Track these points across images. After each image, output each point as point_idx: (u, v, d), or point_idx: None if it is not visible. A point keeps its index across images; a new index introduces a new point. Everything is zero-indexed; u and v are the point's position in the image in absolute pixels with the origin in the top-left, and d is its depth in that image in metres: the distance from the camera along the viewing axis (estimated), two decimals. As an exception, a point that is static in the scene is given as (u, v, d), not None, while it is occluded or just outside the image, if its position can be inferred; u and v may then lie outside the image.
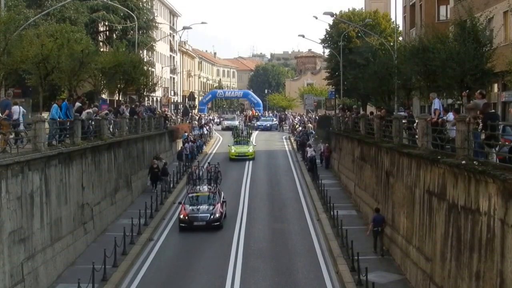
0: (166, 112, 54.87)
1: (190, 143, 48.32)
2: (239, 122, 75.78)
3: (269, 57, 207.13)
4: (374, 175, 27.28)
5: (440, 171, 17.20)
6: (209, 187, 29.70)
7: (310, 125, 62.13)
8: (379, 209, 24.06)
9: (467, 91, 22.31)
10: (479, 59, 24.81)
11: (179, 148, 47.89)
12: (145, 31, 57.79)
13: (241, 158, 46.77)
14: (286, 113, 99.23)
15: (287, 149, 56.81)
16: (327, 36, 63.31)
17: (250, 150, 48.34)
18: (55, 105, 22.84)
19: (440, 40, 26.79)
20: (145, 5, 58.38)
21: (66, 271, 20.80)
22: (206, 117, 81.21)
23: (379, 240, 23.13)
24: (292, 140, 60.95)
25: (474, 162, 15.03)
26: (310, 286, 20.25)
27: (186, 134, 52.42)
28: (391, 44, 46.72)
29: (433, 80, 27.12)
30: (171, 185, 36.64)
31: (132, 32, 52.20)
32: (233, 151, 48.36)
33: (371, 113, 32.92)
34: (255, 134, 70.67)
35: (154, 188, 34.44)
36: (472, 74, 24.62)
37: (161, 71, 74.90)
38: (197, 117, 71.02)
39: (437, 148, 18.80)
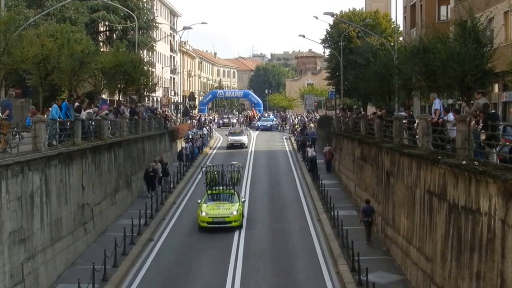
0: (166, 112, 54.87)
1: (190, 143, 48.38)
2: (247, 136, 60.36)
3: (269, 57, 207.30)
4: (375, 175, 27.26)
5: (441, 171, 17.19)
6: None
7: (312, 125, 61.88)
8: (369, 201, 25.31)
9: (472, 102, 22.16)
10: (479, 59, 24.81)
11: (179, 148, 47.87)
12: (145, 31, 57.82)
13: (217, 227, 26.65)
14: (287, 113, 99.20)
15: (287, 149, 56.82)
16: (327, 36, 63.28)
17: (235, 213, 26.77)
18: (55, 105, 22.82)
19: (441, 40, 26.78)
20: (145, 5, 58.42)
21: (66, 272, 20.78)
22: (206, 117, 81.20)
23: (369, 229, 24.38)
24: (293, 140, 60.95)
25: (475, 162, 15.01)
26: (310, 286, 20.23)
27: (191, 132, 52.60)
28: (392, 44, 46.73)
29: (434, 80, 27.12)
30: (171, 186, 36.63)
31: (132, 32, 52.23)
32: (203, 214, 26.76)
33: (374, 113, 32.96)
34: (255, 134, 70.63)
35: (150, 193, 33.08)
36: (472, 74, 24.61)
37: (161, 71, 74.95)
38: (197, 117, 70.97)
39: (438, 148, 18.78)
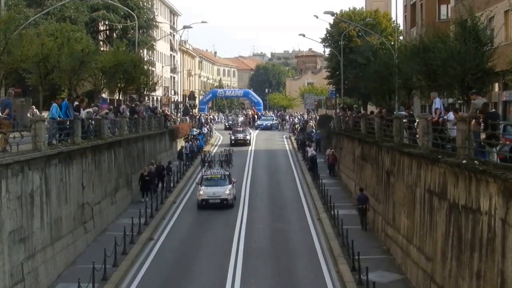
0: (166, 112, 54.85)
1: (190, 142, 48.41)
2: (233, 186, 32.64)
3: (269, 56, 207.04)
4: (375, 174, 27.25)
5: (441, 170, 17.18)
6: None
7: (311, 123, 61.76)
8: (363, 189, 27.17)
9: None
10: (480, 59, 24.79)
11: (179, 147, 47.85)
12: (145, 30, 57.78)
13: None
14: (287, 112, 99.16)
15: (287, 148, 56.81)
16: (327, 35, 63.26)
17: None
18: (54, 104, 22.81)
19: (441, 39, 26.77)
20: (145, 4, 58.36)
21: (66, 271, 20.77)
22: (208, 116, 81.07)
23: (364, 216, 26.16)
24: (293, 140, 60.94)
25: (475, 161, 15.00)
26: (310, 285, 20.22)
27: (195, 129, 52.64)
28: (392, 43, 46.73)
29: (434, 80, 27.11)
30: (171, 185, 36.61)
31: (132, 31, 52.19)
32: None
33: (371, 112, 32.90)
34: (255, 133, 70.56)
35: (144, 198, 31.61)
36: (473, 73, 24.60)
37: (161, 70, 74.90)
38: (197, 117, 70.88)
39: (438, 148, 18.77)
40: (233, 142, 57.11)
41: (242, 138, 58.14)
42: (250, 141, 58.91)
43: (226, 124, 75.79)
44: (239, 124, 68.03)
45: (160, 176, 34.68)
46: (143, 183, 32.43)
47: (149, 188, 32.39)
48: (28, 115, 27.83)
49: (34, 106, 30.22)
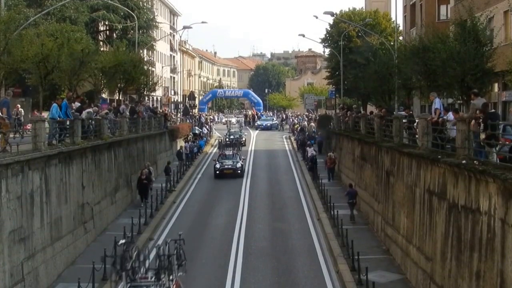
0: (165, 111, 54.83)
1: (190, 142, 48.42)
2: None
3: (269, 56, 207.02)
4: (375, 174, 27.27)
5: (441, 170, 17.19)
6: None
7: (312, 124, 61.64)
8: (352, 185, 29.52)
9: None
10: (479, 59, 24.82)
11: (178, 147, 47.89)
12: (145, 30, 57.83)
13: None
14: (287, 113, 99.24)
15: (287, 148, 56.83)
16: (327, 35, 63.28)
17: None
18: (54, 104, 22.82)
19: (441, 39, 26.81)
20: (145, 4, 58.42)
21: (66, 271, 20.78)
22: (207, 116, 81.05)
23: (353, 209, 27.81)
24: (293, 140, 60.97)
25: (475, 161, 15.02)
26: (310, 285, 20.23)
27: (197, 128, 52.59)
28: (392, 43, 46.72)
29: (434, 80, 27.13)
30: (171, 184, 36.59)
31: (132, 31, 52.23)
32: None
33: (371, 112, 32.90)
34: (255, 133, 70.66)
35: (143, 202, 30.54)
36: (472, 73, 24.63)
37: (161, 70, 74.94)
38: (197, 117, 70.92)
39: (438, 148, 18.79)
40: (217, 172, 40.20)
41: (230, 167, 40.50)
42: (243, 170, 41.53)
43: (227, 139, 52.87)
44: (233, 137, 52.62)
45: (166, 169, 35.76)
46: (141, 186, 31.82)
47: (147, 191, 31.75)
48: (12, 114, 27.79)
49: (19, 105, 30.14)
